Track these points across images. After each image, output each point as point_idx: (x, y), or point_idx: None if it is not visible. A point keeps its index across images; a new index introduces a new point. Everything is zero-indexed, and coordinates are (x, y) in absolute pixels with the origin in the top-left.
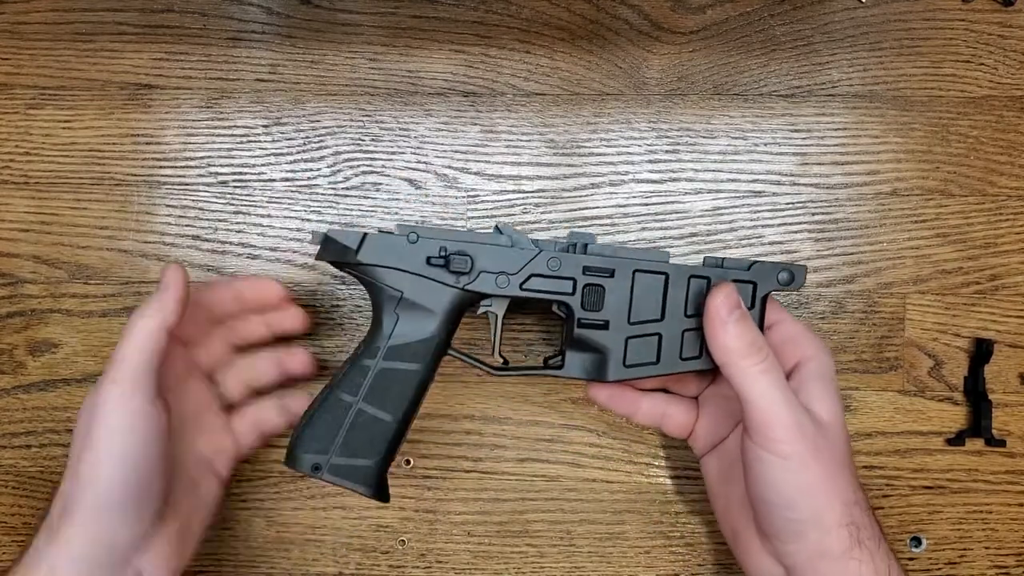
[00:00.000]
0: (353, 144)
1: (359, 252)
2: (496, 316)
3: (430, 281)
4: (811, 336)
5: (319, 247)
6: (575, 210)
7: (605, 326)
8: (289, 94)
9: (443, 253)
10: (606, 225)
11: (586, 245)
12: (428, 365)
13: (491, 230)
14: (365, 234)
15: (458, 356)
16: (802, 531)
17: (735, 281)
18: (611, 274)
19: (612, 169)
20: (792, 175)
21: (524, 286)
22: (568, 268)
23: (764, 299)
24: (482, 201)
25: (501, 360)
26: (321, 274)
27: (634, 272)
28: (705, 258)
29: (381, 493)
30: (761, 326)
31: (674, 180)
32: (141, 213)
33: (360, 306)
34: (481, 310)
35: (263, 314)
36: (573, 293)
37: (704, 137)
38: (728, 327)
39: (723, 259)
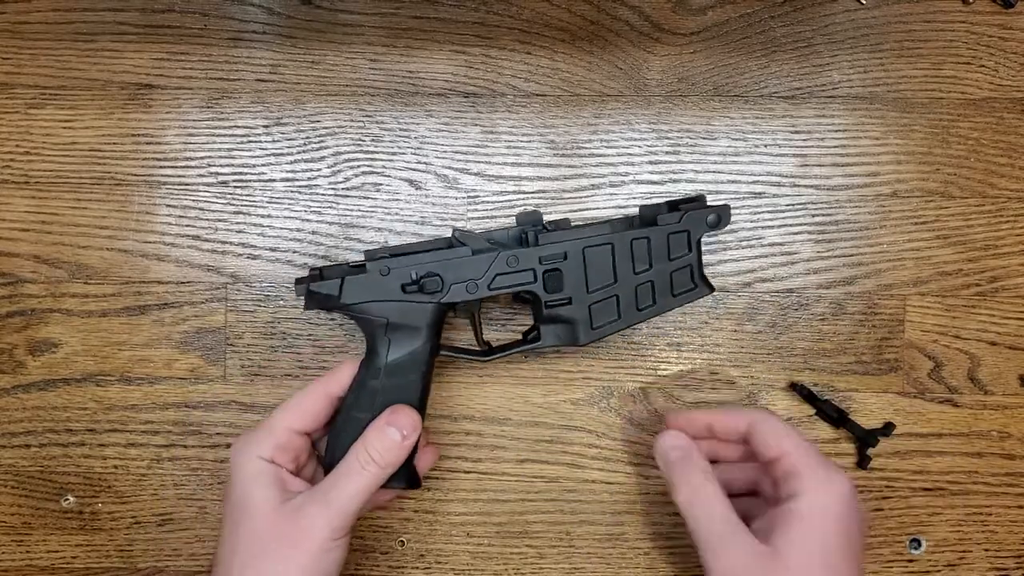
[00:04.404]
0: (353, 144)
1: (341, 296)
2: (472, 312)
3: (410, 303)
4: (815, 472)
5: (304, 299)
6: (575, 211)
7: (569, 301)
8: (290, 94)
9: (415, 278)
10: None
11: (537, 235)
12: (424, 371)
13: (448, 235)
14: (343, 279)
15: (449, 354)
16: None
17: (672, 234)
18: (564, 256)
19: (612, 170)
20: (792, 176)
21: (491, 286)
22: (526, 261)
23: (699, 241)
24: (482, 202)
25: (486, 346)
26: None
27: (583, 249)
28: (640, 208)
29: (413, 482)
30: (699, 264)
31: (674, 181)
32: (141, 213)
33: None
34: (459, 308)
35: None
36: (535, 281)
37: (704, 138)
38: (670, 464)
39: (657, 213)
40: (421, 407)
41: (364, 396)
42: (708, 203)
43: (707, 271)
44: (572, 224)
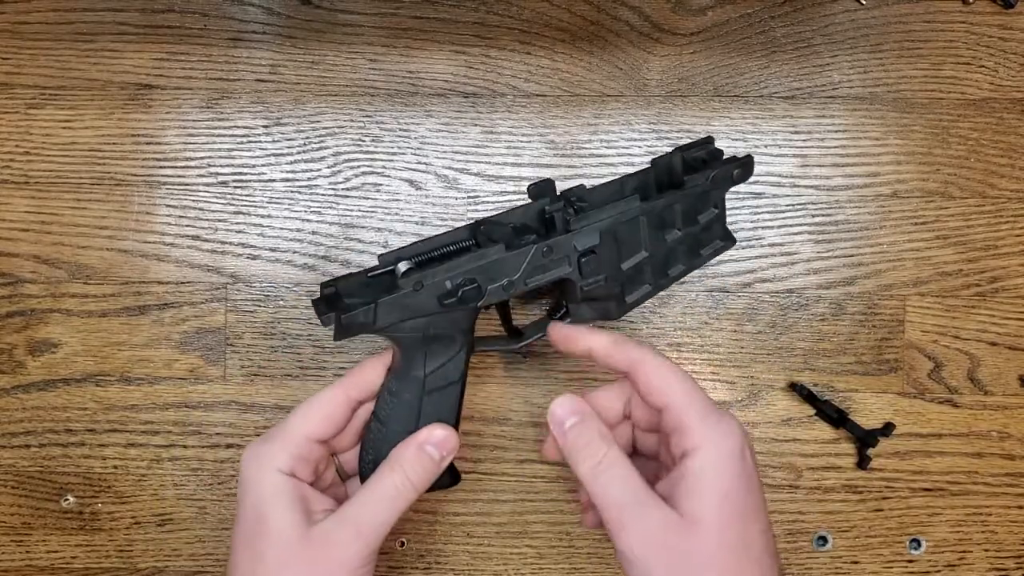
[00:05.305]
0: (353, 145)
1: (376, 322)
2: (504, 302)
3: (447, 313)
4: (703, 422)
5: (334, 331)
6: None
7: (604, 280)
8: (289, 95)
9: (452, 287)
10: None
11: (566, 218)
12: (462, 373)
13: (467, 224)
14: (376, 305)
15: (485, 351)
16: None
17: (701, 194)
18: (599, 238)
19: (612, 170)
20: (792, 177)
21: (528, 282)
22: (561, 250)
23: (723, 198)
24: (482, 202)
25: (517, 335)
26: (321, 274)
27: (615, 226)
28: (653, 161)
29: (455, 479)
30: (724, 220)
31: None
32: (141, 213)
33: None
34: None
35: None
36: (571, 268)
37: None
38: (567, 434)
39: (670, 165)
40: (459, 411)
41: (402, 412)
42: (722, 154)
43: (706, 270)
44: (586, 188)
